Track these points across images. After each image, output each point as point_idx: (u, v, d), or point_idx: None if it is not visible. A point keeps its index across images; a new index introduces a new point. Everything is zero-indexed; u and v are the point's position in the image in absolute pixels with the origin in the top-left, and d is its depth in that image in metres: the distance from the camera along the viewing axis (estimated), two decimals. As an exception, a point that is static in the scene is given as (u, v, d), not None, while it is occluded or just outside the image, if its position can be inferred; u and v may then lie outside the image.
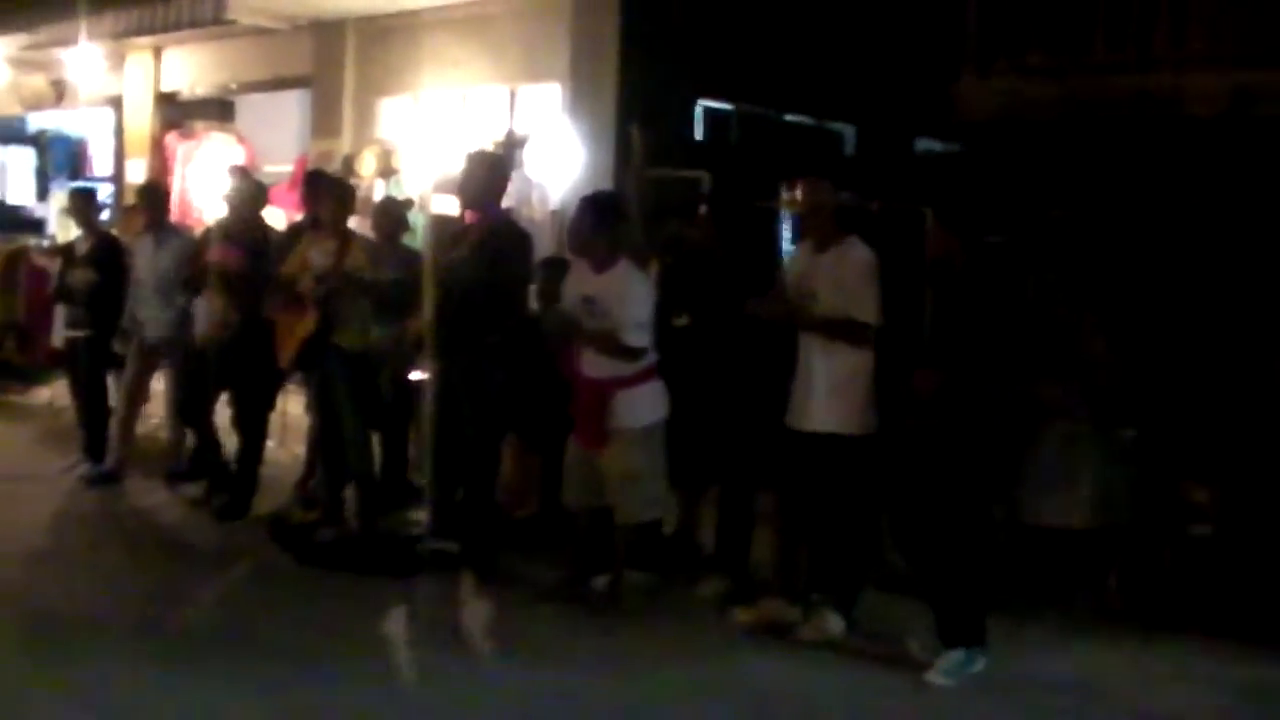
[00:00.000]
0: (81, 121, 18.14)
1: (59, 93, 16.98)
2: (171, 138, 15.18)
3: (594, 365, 6.52)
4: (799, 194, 6.28)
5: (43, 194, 18.47)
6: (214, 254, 8.28)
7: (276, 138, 15.14)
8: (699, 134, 12.02)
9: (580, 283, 6.63)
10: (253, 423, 8.46)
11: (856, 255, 6.20)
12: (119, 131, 16.32)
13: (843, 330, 6.12)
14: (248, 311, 8.02)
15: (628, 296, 6.45)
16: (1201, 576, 6.71)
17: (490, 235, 7.13)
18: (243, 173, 9.08)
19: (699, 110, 12.05)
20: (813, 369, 6.20)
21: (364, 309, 7.57)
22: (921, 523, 5.98)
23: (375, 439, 8.05)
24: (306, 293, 7.48)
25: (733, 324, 6.67)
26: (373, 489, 7.79)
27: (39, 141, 19.07)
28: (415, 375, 8.37)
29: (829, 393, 6.16)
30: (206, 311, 8.51)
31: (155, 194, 9.49)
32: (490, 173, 7.30)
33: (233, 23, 12.72)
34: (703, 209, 7.43)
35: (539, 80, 11.79)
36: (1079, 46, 8.00)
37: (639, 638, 6.34)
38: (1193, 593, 6.69)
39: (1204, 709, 5.74)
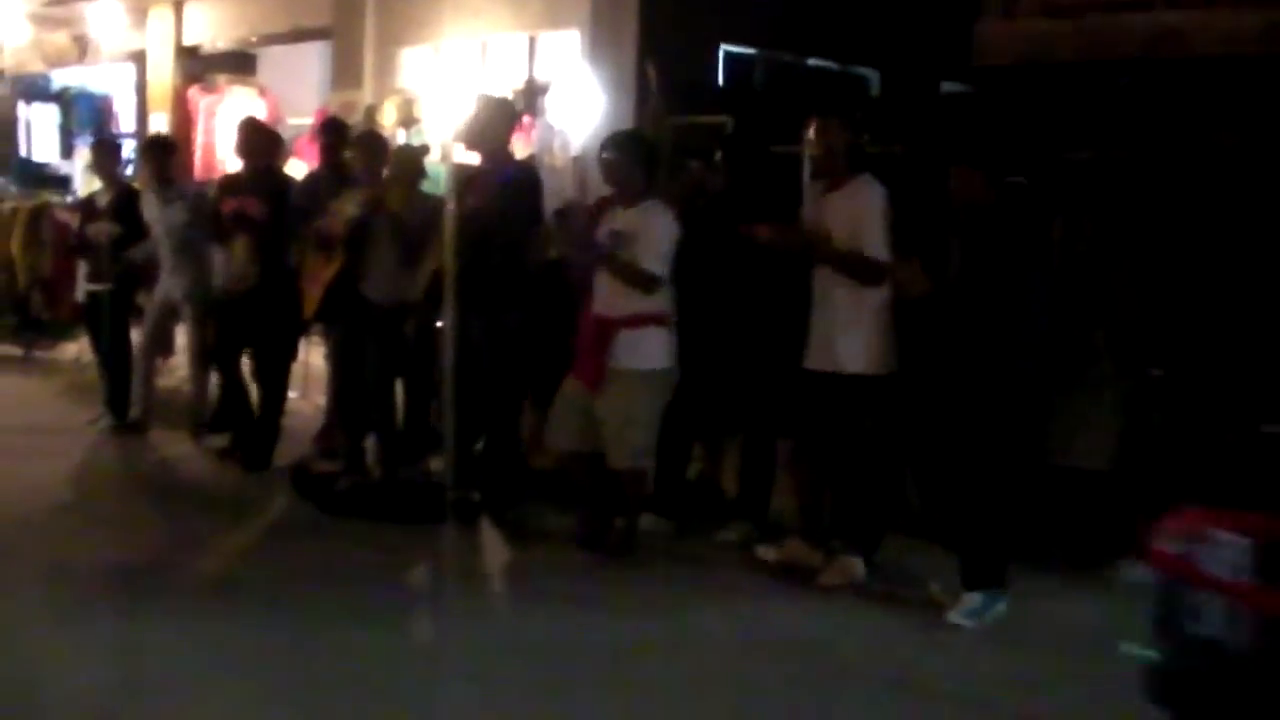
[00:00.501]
0: (104, 78, 18.12)
1: (81, 49, 17.01)
2: (194, 92, 15.19)
3: (605, 302, 6.47)
4: (810, 133, 6.21)
5: (67, 151, 18.46)
6: (230, 204, 8.22)
7: (299, 90, 15.14)
8: (721, 80, 11.95)
9: (610, 219, 6.59)
10: (275, 374, 8.45)
11: (867, 193, 6.13)
12: (141, 87, 16.32)
13: (857, 266, 6.04)
14: (268, 262, 7.99)
15: (653, 228, 6.42)
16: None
17: (500, 181, 7.08)
18: (254, 123, 8.95)
19: (721, 55, 12.00)
20: (830, 307, 6.14)
21: (390, 258, 7.50)
22: (946, 466, 5.93)
23: (398, 386, 8.00)
24: (336, 235, 7.42)
25: (751, 267, 6.59)
26: (394, 438, 7.75)
27: (63, 99, 19.07)
28: (438, 323, 8.35)
29: (846, 332, 6.10)
30: (226, 263, 8.46)
31: (155, 148, 9.36)
32: (497, 115, 7.24)
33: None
34: (718, 155, 7.30)
35: (559, 27, 11.77)
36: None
37: (661, 583, 6.33)
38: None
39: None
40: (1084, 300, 6.51)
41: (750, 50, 12.26)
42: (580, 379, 6.58)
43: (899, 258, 5.97)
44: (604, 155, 6.63)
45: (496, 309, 7.06)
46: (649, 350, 6.47)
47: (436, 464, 7.63)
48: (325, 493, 7.46)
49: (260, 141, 8.45)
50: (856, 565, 6.25)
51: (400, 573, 6.56)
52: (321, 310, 7.71)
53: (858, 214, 6.09)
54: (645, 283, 6.37)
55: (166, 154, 9.22)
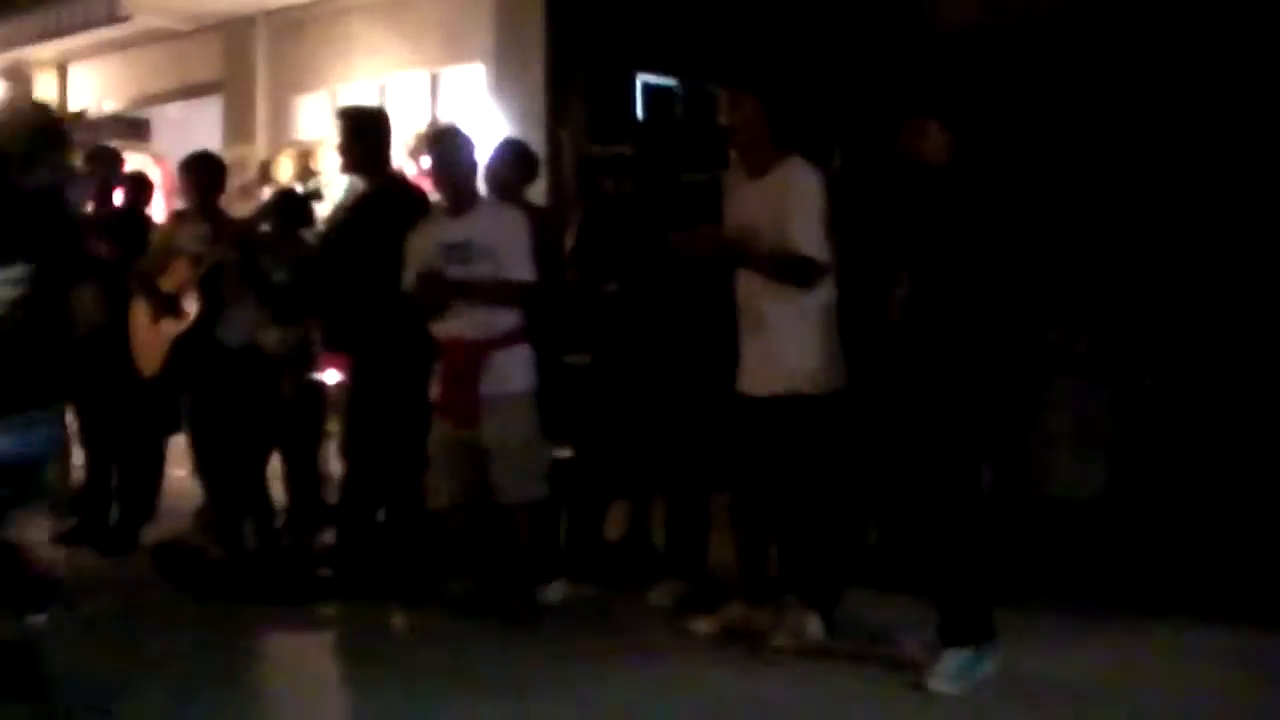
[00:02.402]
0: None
1: (-37, 120, 16.02)
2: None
3: (468, 323, 5.70)
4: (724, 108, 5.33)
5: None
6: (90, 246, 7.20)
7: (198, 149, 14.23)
8: (640, 111, 11.13)
9: (443, 231, 5.81)
10: (124, 438, 7.44)
11: (796, 178, 5.20)
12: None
13: (787, 267, 5.12)
14: (118, 311, 6.97)
15: (512, 232, 5.77)
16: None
17: (371, 198, 6.33)
18: (105, 152, 8.02)
19: (639, 86, 11.19)
20: (761, 319, 5.22)
21: (250, 301, 6.62)
22: (909, 497, 5.09)
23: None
24: (181, 283, 6.51)
25: (667, 287, 5.86)
26: (266, 506, 6.90)
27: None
28: (322, 377, 7.46)
29: (784, 346, 5.18)
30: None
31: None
32: (361, 127, 6.47)
33: (127, 19, 11.70)
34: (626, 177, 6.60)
35: (461, 61, 11.00)
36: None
37: (579, 656, 5.35)
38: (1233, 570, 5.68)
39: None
40: (1051, 294, 5.61)
41: (669, 81, 11.41)
42: (450, 418, 5.76)
43: (892, 272, 5.04)
44: (430, 156, 6.00)
45: (369, 347, 6.21)
46: (521, 370, 5.81)
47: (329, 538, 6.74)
48: (187, 571, 6.45)
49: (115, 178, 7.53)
50: (812, 623, 5.30)
51: (275, 664, 5.70)
52: (171, 363, 6.74)
53: (785, 203, 5.15)
54: (514, 291, 5.70)
55: None
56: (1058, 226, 5.58)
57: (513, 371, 5.74)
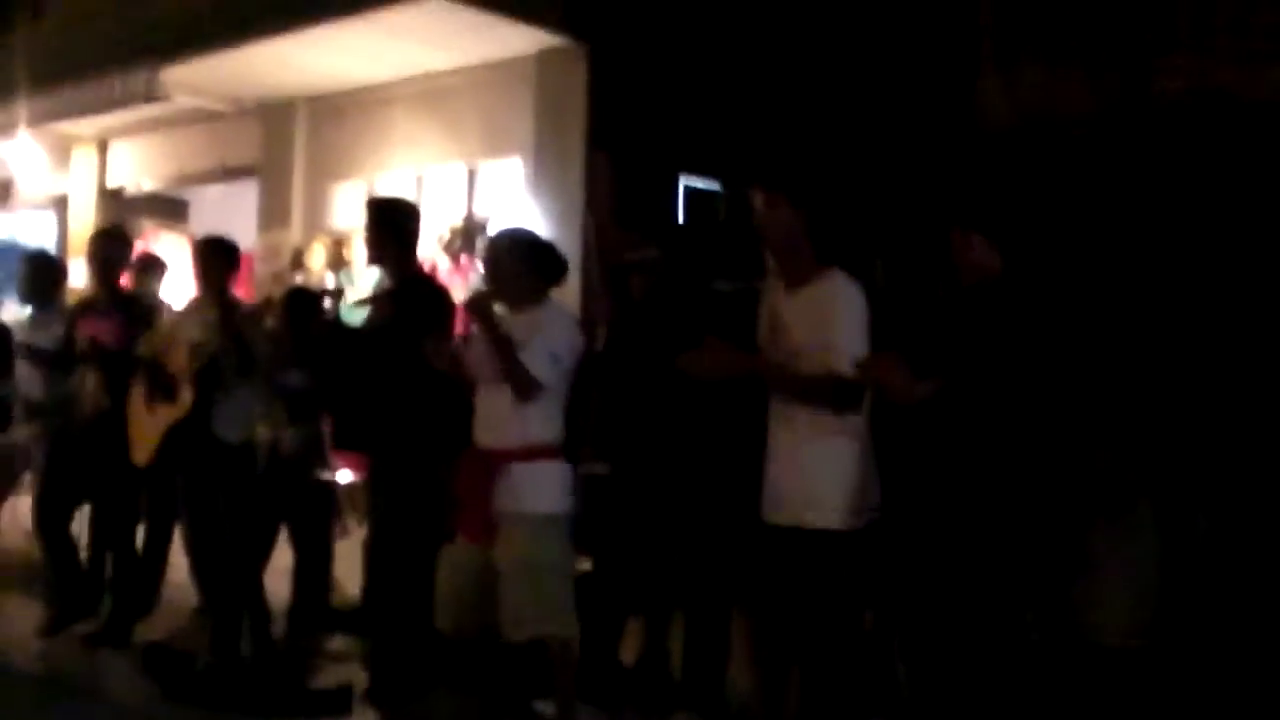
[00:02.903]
0: (27, 226, 17.08)
1: (3, 194, 15.99)
2: (118, 237, 14.08)
3: (487, 428, 5.24)
4: (757, 211, 4.96)
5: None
6: (85, 327, 6.93)
7: (235, 234, 14.04)
8: (681, 213, 10.88)
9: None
10: (124, 532, 7.10)
11: (839, 292, 4.79)
12: (62, 234, 15.22)
13: (822, 390, 4.69)
14: (120, 396, 6.70)
15: (549, 329, 5.23)
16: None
17: (396, 293, 6.04)
18: (113, 232, 7.75)
19: (681, 188, 10.95)
20: (789, 444, 4.81)
21: (250, 394, 6.36)
22: (944, 637, 4.69)
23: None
24: (179, 371, 6.23)
25: (688, 395, 5.44)
26: (263, 614, 6.52)
27: (-10, 251, 17.98)
28: (336, 477, 7.20)
29: (811, 475, 4.74)
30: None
31: (36, 262, 8.14)
32: (389, 219, 6.19)
33: (165, 98, 11.56)
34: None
35: (500, 155, 10.81)
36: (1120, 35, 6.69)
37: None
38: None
39: None
40: (1107, 418, 5.23)
41: (713, 184, 11.16)
42: (465, 534, 5.31)
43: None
44: (489, 255, 5.50)
45: (400, 448, 5.91)
46: (545, 489, 5.22)
47: (341, 643, 6.59)
48: (174, 675, 6.09)
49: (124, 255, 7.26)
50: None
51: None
52: (162, 453, 6.45)
53: (825, 320, 4.73)
54: (525, 384, 5.11)
55: (49, 270, 7.99)
56: (1111, 344, 5.22)
57: (536, 488, 5.20)
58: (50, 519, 7.06)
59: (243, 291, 10.46)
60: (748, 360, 4.85)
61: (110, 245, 7.18)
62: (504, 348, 5.13)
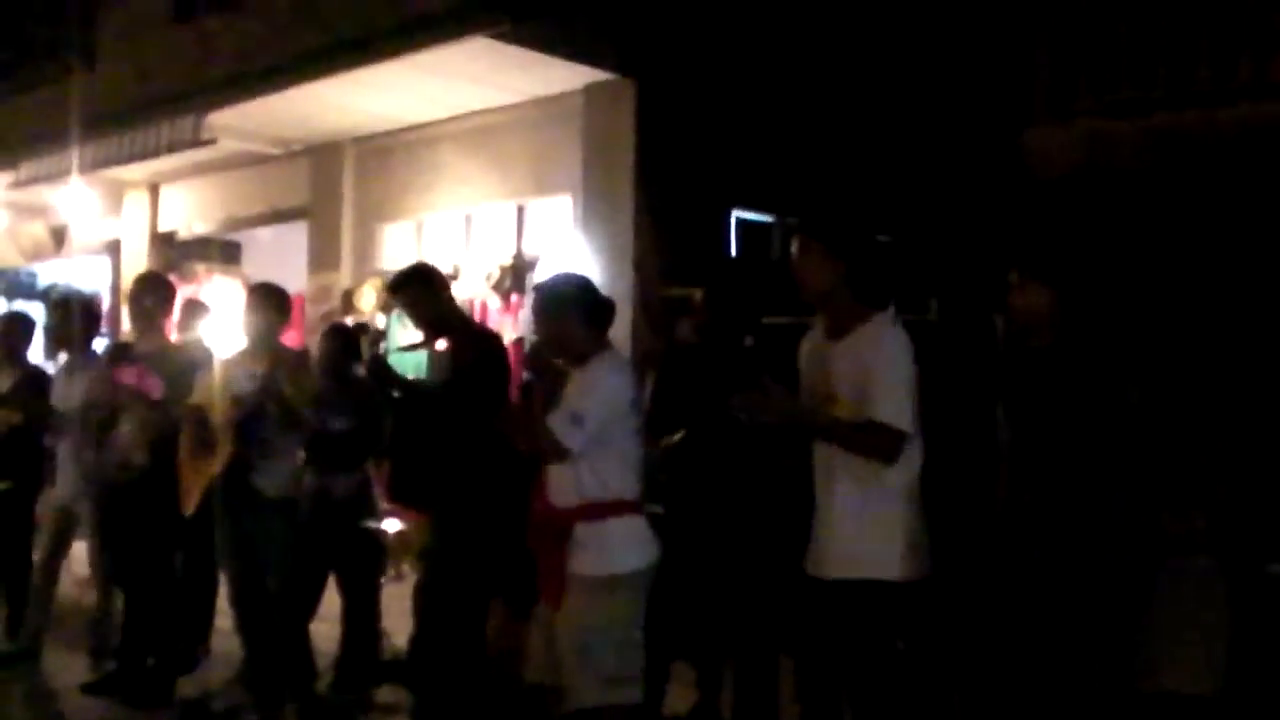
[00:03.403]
0: (82, 271, 17.13)
1: (58, 240, 16.04)
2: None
3: (553, 486, 4.92)
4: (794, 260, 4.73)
5: (52, 353, 17.29)
6: (126, 376, 6.76)
7: (286, 275, 13.99)
8: (735, 247, 10.71)
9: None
10: (157, 583, 6.90)
11: (882, 338, 4.52)
12: (116, 279, 15.23)
13: (866, 439, 4.43)
14: (159, 453, 6.57)
15: (593, 384, 4.88)
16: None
17: (450, 355, 5.98)
18: (152, 278, 7.57)
19: (733, 222, 10.79)
20: (835, 494, 4.55)
21: (292, 448, 6.29)
22: (1003, 692, 4.50)
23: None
24: (222, 422, 6.12)
25: (736, 440, 5.24)
26: (308, 670, 6.43)
27: (49, 296, 18.02)
28: (384, 526, 7.08)
29: (857, 526, 4.48)
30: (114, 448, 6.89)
31: (68, 306, 8.05)
32: (427, 287, 6.13)
33: (212, 142, 11.51)
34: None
35: (549, 194, 10.64)
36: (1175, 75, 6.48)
37: None
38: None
39: None
40: (1174, 469, 5.01)
41: (766, 216, 10.99)
42: (544, 598, 4.97)
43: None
44: (536, 309, 5.18)
45: (457, 505, 5.84)
46: (613, 547, 4.84)
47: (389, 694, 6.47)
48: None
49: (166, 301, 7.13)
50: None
51: None
52: (202, 507, 6.36)
53: (868, 367, 4.46)
54: (547, 450, 4.81)
55: (84, 314, 7.92)
56: (1174, 392, 5.00)
57: (587, 550, 4.83)
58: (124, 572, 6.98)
59: (293, 334, 10.44)
60: (795, 405, 4.66)
61: (149, 293, 7.01)
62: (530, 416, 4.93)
